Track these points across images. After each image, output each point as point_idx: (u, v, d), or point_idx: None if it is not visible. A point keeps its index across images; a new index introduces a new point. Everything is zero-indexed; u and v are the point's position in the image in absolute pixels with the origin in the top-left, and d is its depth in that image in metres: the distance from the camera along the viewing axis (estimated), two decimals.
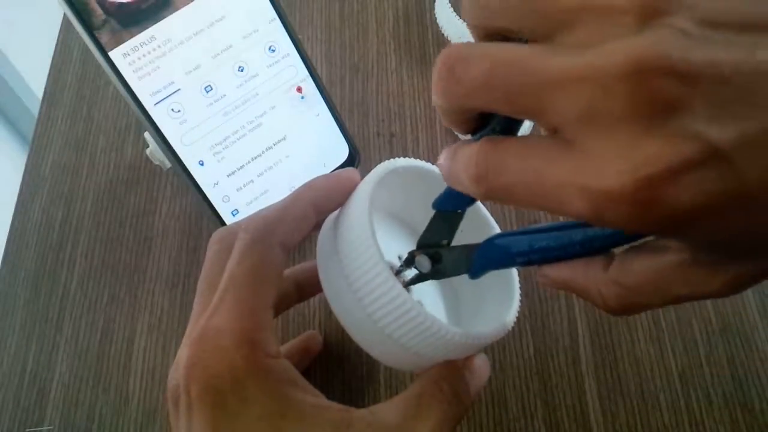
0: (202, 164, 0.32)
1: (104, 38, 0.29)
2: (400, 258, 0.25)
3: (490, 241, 0.22)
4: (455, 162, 0.17)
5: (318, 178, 0.25)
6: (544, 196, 0.15)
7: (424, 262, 0.23)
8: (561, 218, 0.33)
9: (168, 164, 0.34)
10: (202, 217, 0.37)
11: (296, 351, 0.31)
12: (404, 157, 0.38)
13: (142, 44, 0.30)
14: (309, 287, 0.29)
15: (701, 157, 0.13)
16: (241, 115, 0.33)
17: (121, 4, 0.29)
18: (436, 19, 0.42)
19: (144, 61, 0.30)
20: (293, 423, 0.20)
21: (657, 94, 0.13)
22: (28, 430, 0.32)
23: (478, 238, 0.23)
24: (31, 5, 1.01)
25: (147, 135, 0.34)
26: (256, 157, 0.33)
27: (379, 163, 0.25)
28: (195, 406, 0.20)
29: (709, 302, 0.34)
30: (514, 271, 0.27)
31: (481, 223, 0.27)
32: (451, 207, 0.23)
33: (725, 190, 0.13)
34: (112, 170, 0.39)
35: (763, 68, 0.13)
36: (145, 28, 0.30)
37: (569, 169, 0.14)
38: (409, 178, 0.26)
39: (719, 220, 0.14)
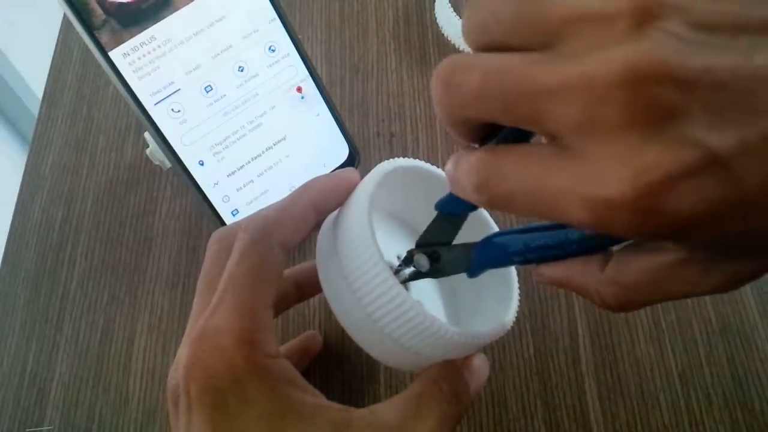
0: (202, 164, 0.32)
1: (104, 38, 0.29)
2: (398, 257, 0.25)
3: (489, 240, 0.22)
4: (458, 170, 0.17)
5: (318, 178, 0.25)
6: (544, 204, 0.15)
7: (423, 261, 0.23)
8: None
9: (168, 164, 0.34)
10: (202, 217, 0.37)
11: (296, 351, 0.31)
12: (404, 157, 0.38)
13: (142, 44, 0.30)
14: (309, 287, 0.29)
15: (701, 163, 0.13)
16: (241, 115, 0.33)
17: (121, 4, 0.29)
18: (436, 19, 0.42)
19: (144, 61, 0.30)
20: (292, 423, 0.20)
21: (654, 102, 0.13)
22: (28, 430, 0.32)
23: (476, 236, 0.23)
24: (31, 5, 1.01)
25: (147, 135, 0.34)
26: (256, 157, 0.33)
27: (379, 163, 0.25)
28: (194, 406, 0.20)
29: (709, 302, 0.34)
30: (513, 271, 0.27)
31: (479, 222, 0.27)
32: (454, 210, 0.23)
33: (725, 196, 0.13)
34: (112, 170, 0.39)
35: (761, 73, 0.12)
36: (145, 28, 0.30)
37: (569, 177, 0.14)
38: (409, 178, 0.26)
39: (719, 226, 0.13)
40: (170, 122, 0.31)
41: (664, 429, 0.31)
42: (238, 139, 0.33)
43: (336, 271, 0.22)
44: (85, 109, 0.41)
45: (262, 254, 0.22)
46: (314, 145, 0.35)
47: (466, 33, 0.17)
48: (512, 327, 0.25)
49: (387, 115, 0.40)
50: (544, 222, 0.21)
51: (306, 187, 0.25)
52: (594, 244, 0.19)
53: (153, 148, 0.34)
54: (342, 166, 0.35)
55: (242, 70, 0.32)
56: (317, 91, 0.34)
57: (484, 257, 0.22)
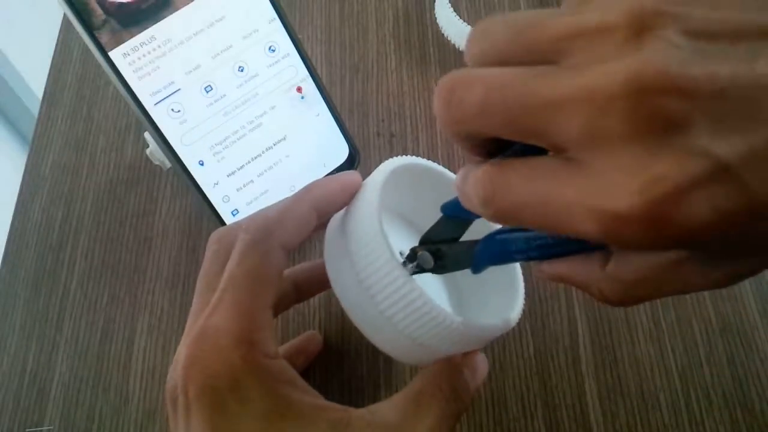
0: (202, 164, 0.32)
1: (104, 38, 0.29)
2: (401, 254, 0.26)
3: (491, 237, 0.22)
4: (466, 184, 0.18)
5: (320, 180, 0.25)
6: (552, 217, 0.15)
7: (427, 258, 0.23)
8: None
9: (168, 164, 0.34)
10: (202, 217, 0.37)
11: (296, 351, 0.31)
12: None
13: (142, 44, 0.30)
14: (308, 288, 0.29)
15: (708, 173, 0.13)
16: (241, 115, 0.33)
17: (121, 4, 0.29)
18: (436, 19, 0.42)
19: (144, 61, 0.30)
20: (291, 423, 0.20)
21: (658, 112, 0.13)
22: (28, 430, 0.32)
23: (478, 233, 0.23)
24: (31, 5, 1.01)
25: (147, 135, 0.34)
26: (256, 157, 0.33)
27: (379, 163, 0.25)
28: (193, 406, 0.20)
29: (709, 302, 0.34)
30: (518, 270, 0.27)
31: (482, 219, 0.27)
32: (460, 215, 0.23)
33: (734, 205, 0.13)
34: (112, 170, 0.39)
35: (763, 81, 0.12)
36: (145, 28, 0.30)
37: (576, 190, 0.14)
38: (413, 176, 0.26)
39: (730, 234, 0.13)
40: (170, 122, 0.31)
41: (664, 429, 0.31)
42: (238, 139, 0.33)
43: (346, 266, 0.22)
44: (85, 109, 0.41)
45: (263, 255, 0.22)
46: (314, 145, 0.35)
47: (468, 57, 0.17)
48: (512, 327, 0.25)
49: (387, 115, 0.40)
50: None
51: (308, 189, 0.25)
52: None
53: (153, 148, 0.34)
54: (342, 166, 0.35)
55: (242, 70, 0.32)
56: (317, 91, 0.34)
57: (487, 254, 0.22)
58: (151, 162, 0.36)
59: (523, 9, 0.43)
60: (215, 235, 0.25)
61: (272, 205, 0.25)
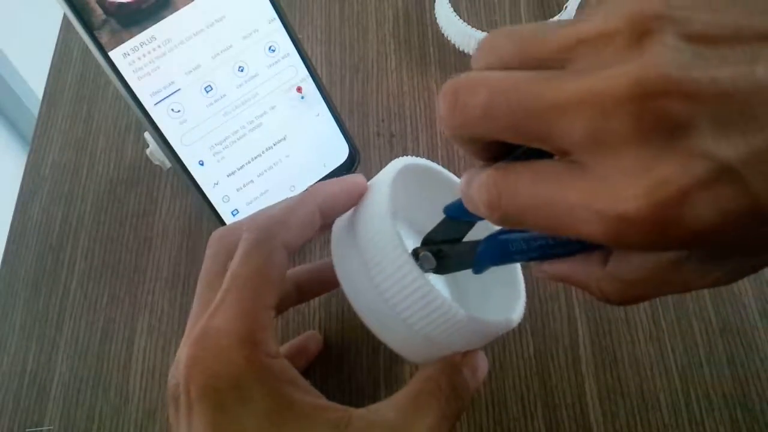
0: (202, 164, 0.32)
1: (104, 38, 0.29)
2: None
3: (492, 237, 0.22)
4: (470, 188, 0.18)
5: (325, 182, 0.25)
6: (557, 220, 0.15)
7: (429, 259, 0.23)
8: None
9: (168, 164, 0.34)
10: (202, 217, 0.37)
11: (296, 351, 0.31)
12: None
13: (142, 44, 0.30)
14: (309, 289, 0.29)
15: (712, 175, 0.13)
16: (241, 115, 0.33)
17: (121, 4, 0.29)
18: (436, 19, 0.42)
19: (144, 61, 0.30)
20: (293, 423, 0.20)
21: (662, 115, 0.13)
22: (28, 430, 0.32)
23: (479, 234, 0.23)
24: (31, 5, 1.01)
25: (147, 135, 0.34)
26: (256, 157, 0.33)
27: (379, 162, 0.25)
28: (195, 406, 0.20)
29: (709, 302, 0.34)
30: (518, 271, 0.27)
31: (484, 221, 0.27)
32: (463, 217, 0.23)
33: (738, 206, 0.13)
34: (112, 170, 0.39)
35: (763, 84, 0.13)
36: (145, 28, 0.30)
37: (581, 192, 0.14)
38: (417, 177, 0.27)
39: (733, 235, 0.14)
40: (170, 122, 0.31)
41: (664, 429, 0.31)
42: (238, 139, 0.33)
43: (356, 264, 0.23)
44: (85, 109, 0.41)
45: (267, 255, 0.22)
46: (314, 145, 0.35)
47: (474, 66, 0.17)
48: (514, 327, 0.25)
49: (387, 115, 0.40)
50: None
51: (313, 190, 0.25)
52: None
53: (153, 148, 0.34)
54: (342, 166, 0.35)
55: (242, 70, 0.32)
56: (317, 91, 0.34)
57: (488, 254, 0.22)
58: (151, 162, 0.36)
59: (523, 9, 0.43)
60: (216, 235, 0.25)
61: (275, 205, 0.25)
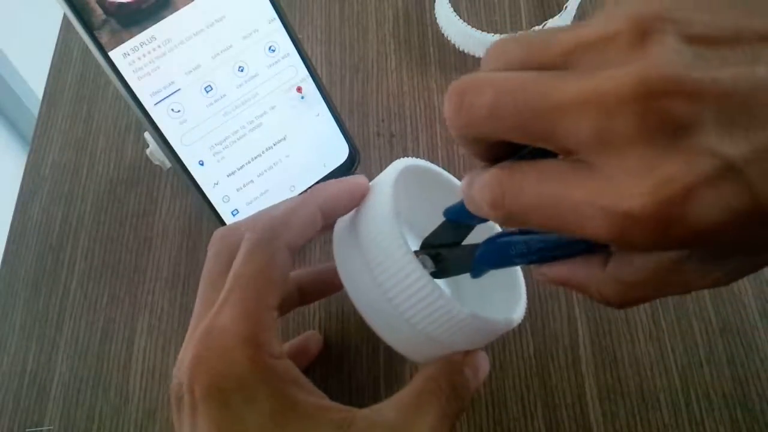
0: (202, 164, 0.32)
1: (104, 38, 0.29)
2: None
3: (491, 241, 0.22)
4: (472, 189, 0.18)
5: (327, 183, 0.25)
6: (562, 218, 0.15)
7: (427, 263, 0.23)
8: None
9: (168, 164, 0.34)
10: (202, 217, 0.37)
11: (296, 351, 0.31)
12: (404, 157, 0.38)
13: (142, 44, 0.30)
14: (312, 291, 0.29)
15: (716, 173, 0.13)
16: (241, 115, 0.33)
17: (121, 4, 0.29)
18: (436, 19, 0.42)
19: (144, 61, 0.30)
20: (296, 423, 0.20)
21: (666, 114, 0.13)
22: (28, 430, 0.32)
23: (478, 238, 0.23)
24: (31, 5, 1.01)
25: (147, 135, 0.34)
26: (256, 157, 0.33)
27: (379, 162, 0.25)
28: (199, 406, 0.20)
29: (709, 302, 0.34)
30: (519, 274, 0.27)
31: (483, 225, 0.27)
32: (463, 220, 0.23)
33: (740, 204, 0.13)
34: (112, 170, 0.39)
35: (764, 84, 0.13)
36: (145, 28, 0.30)
37: (587, 191, 0.14)
38: (417, 179, 0.27)
39: (737, 233, 0.14)
40: (170, 122, 0.31)
41: (664, 429, 0.31)
42: (238, 139, 0.33)
43: (359, 264, 0.23)
44: (85, 109, 0.41)
45: (270, 255, 0.22)
46: (314, 145, 0.35)
47: (483, 68, 0.17)
48: (514, 327, 0.25)
49: (387, 115, 0.40)
50: None
51: (315, 190, 0.25)
52: (595, 243, 0.20)
53: (153, 148, 0.34)
54: (342, 166, 0.35)
55: (242, 70, 0.32)
56: (317, 91, 0.34)
57: (487, 258, 0.22)
58: (151, 162, 0.36)
59: (523, 9, 0.43)
60: (218, 234, 0.25)
61: (277, 205, 0.25)
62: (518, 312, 0.25)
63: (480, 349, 0.25)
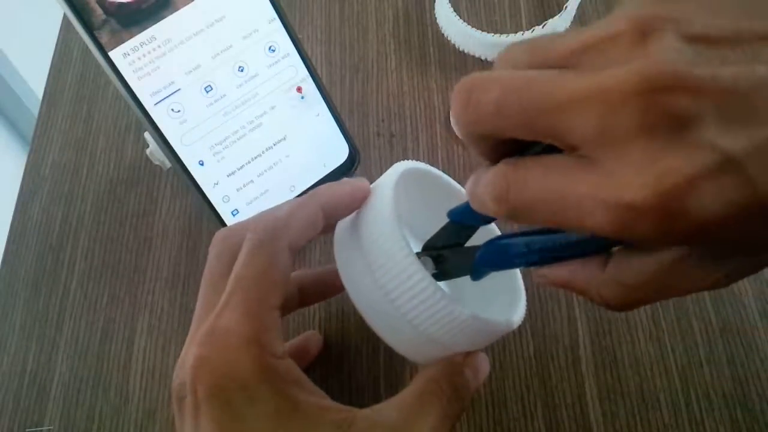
0: (202, 164, 0.32)
1: (104, 38, 0.29)
2: None
3: (491, 243, 0.22)
4: (477, 186, 0.18)
5: (328, 184, 0.25)
6: (565, 211, 0.15)
7: (428, 264, 0.23)
8: None
9: (168, 164, 0.34)
10: (202, 217, 0.37)
11: (296, 351, 0.31)
12: (404, 157, 0.38)
13: (142, 44, 0.30)
14: (313, 293, 0.29)
15: (717, 166, 0.13)
16: (241, 115, 0.33)
17: (121, 4, 0.29)
18: (436, 19, 0.42)
19: (144, 61, 0.30)
20: (298, 423, 0.20)
21: (668, 109, 0.13)
22: (28, 430, 0.32)
23: (478, 240, 0.23)
24: (31, 5, 1.01)
25: (147, 135, 0.34)
26: (256, 157, 0.33)
27: (380, 163, 0.25)
28: (202, 406, 0.20)
29: (709, 302, 0.34)
30: (519, 278, 0.27)
31: (484, 229, 0.27)
32: (467, 221, 0.23)
33: (741, 197, 0.13)
34: (112, 170, 0.39)
35: (764, 82, 0.13)
36: (145, 28, 0.30)
37: (590, 184, 0.15)
38: (416, 181, 0.27)
39: (738, 229, 0.14)
40: (170, 122, 0.31)
41: (664, 429, 0.31)
42: (238, 139, 0.33)
43: (360, 265, 0.23)
44: (85, 109, 0.41)
45: (271, 255, 0.22)
46: (314, 145, 0.35)
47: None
48: (514, 328, 0.25)
49: (387, 115, 0.40)
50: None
51: (316, 192, 0.25)
52: (595, 245, 0.20)
53: (153, 148, 0.34)
54: (342, 166, 0.35)
55: (242, 70, 0.32)
56: (317, 91, 0.34)
57: (487, 259, 0.22)
58: (151, 162, 0.36)
59: (523, 9, 0.43)
60: (219, 236, 0.25)
61: (278, 206, 0.25)
62: (518, 314, 0.25)
63: (480, 350, 0.25)
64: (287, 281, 0.23)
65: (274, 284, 0.22)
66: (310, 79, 0.34)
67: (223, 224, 0.33)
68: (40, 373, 0.34)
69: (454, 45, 0.41)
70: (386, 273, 0.22)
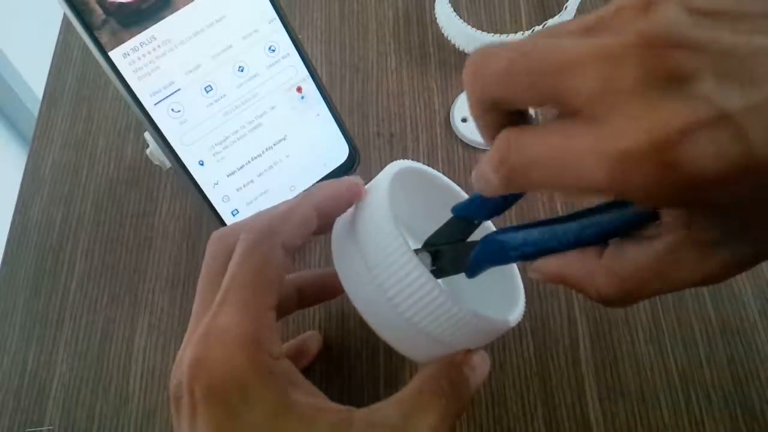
0: (202, 164, 0.32)
1: (104, 38, 0.29)
2: None
3: (488, 237, 0.22)
4: (481, 163, 0.18)
5: (323, 183, 0.25)
6: (563, 169, 0.16)
7: (426, 261, 0.23)
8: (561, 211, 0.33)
9: (168, 164, 0.34)
10: (202, 217, 0.37)
11: (295, 351, 0.32)
12: (404, 157, 0.38)
13: (142, 44, 0.30)
14: (311, 294, 0.29)
15: (711, 118, 0.13)
16: (241, 115, 0.33)
17: (121, 4, 0.29)
18: (436, 19, 0.42)
19: (144, 61, 0.30)
20: (295, 424, 0.20)
21: (667, 64, 0.14)
22: (28, 430, 0.32)
23: (475, 238, 0.23)
24: (31, 5, 1.01)
25: (147, 135, 0.34)
26: (256, 157, 0.33)
27: (379, 163, 0.25)
28: (199, 406, 0.20)
29: (709, 302, 0.34)
30: (518, 276, 0.27)
31: (482, 228, 0.27)
32: (470, 215, 0.23)
33: (735, 154, 0.13)
34: (112, 170, 0.39)
35: (763, 51, 0.14)
36: (145, 28, 0.30)
37: (590, 139, 0.15)
38: (412, 180, 0.27)
39: (730, 189, 0.14)
40: (170, 122, 0.31)
41: (664, 429, 0.31)
42: (238, 139, 0.33)
43: (358, 264, 0.23)
44: (85, 109, 0.41)
45: (265, 255, 0.22)
46: (314, 145, 0.35)
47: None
48: (513, 326, 0.25)
49: (387, 115, 0.40)
50: (541, 219, 0.21)
51: (311, 191, 0.25)
52: (590, 236, 0.20)
53: (153, 148, 0.34)
54: (342, 166, 0.35)
55: (242, 70, 0.32)
56: (317, 91, 0.34)
57: (484, 254, 0.22)
58: (151, 162, 0.36)
59: (523, 9, 0.44)
60: (215, 236, 0.25)
61: (274, 207, 0.25)
62: (517, 312, 0.25)
63: (480, 348, 0.25)
64: (282, 280, 0.23)
65: (268, 283, 0.22)
66: (310, 79, 0.34)
67: (223, 224, 0.33)
68: (40, 373, 0.34)
69: (454, 45, 0.41)
70: (384, 270, 0.22)
